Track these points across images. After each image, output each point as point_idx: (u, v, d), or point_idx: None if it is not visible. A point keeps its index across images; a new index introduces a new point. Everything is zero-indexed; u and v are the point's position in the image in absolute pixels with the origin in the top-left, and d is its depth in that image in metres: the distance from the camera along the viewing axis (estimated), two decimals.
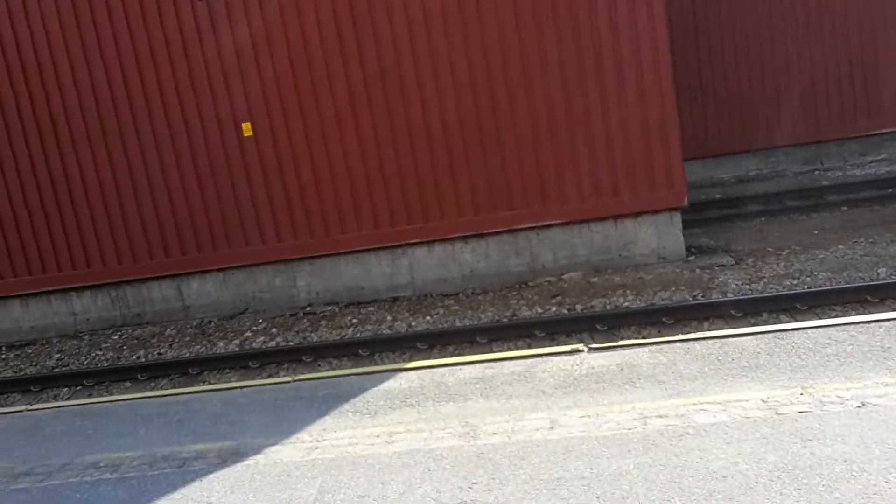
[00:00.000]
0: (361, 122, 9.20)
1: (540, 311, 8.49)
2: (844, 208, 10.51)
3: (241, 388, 6.45)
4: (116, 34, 9.35)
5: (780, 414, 4.94)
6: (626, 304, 8.35)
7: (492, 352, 7.78)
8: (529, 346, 7.77)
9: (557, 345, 7.70)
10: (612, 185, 9.12)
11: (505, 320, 8.37)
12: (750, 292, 8.11)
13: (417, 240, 9.44)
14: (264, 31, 9.11)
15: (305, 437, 5.46)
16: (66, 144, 9.65)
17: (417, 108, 9.10)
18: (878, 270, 8.17)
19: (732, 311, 7.71)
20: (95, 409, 6.52)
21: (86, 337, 9.73)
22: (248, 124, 9.39)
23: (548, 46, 8.87)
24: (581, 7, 8.77)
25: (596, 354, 6.20)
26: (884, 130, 11.82)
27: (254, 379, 7.76)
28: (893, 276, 7.96)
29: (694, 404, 5.21)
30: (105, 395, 7.68)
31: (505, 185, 9.21)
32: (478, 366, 6.29)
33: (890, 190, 10.80)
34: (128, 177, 9.62)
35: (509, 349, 7.79)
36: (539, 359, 6.27)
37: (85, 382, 8.29)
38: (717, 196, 11.55)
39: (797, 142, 11.93)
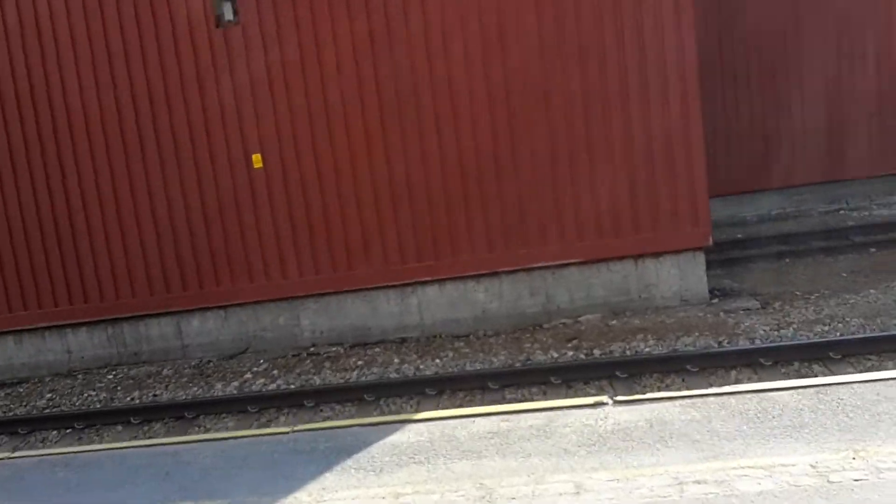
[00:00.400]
0: (374, 155, 8.78)
1: (556, 355, 7.96)
2: (873, 250, 9.97)
3: (236, 437, 5.91)
4: (130, 66, 8.96)
5: (832, 482, 4.38)
6: (648, 349, 7.81)
7: (505, 399, 7.26)
8: (545, 394, 7.25)
9: (576, 393, 7.16)
10: (633, 223, 8.64)
11: (518, 365, 7.83)
12: (779, 339, 7.58)
13: (428, 278, 8.96)
14: (280, 64, 8.73)
15: (304, 497, 4.91)
16: (70, 173, 9.24)
17: (433, 143, 8.68)
18: None
19: (761, 360, 7.18)
20: (80, 458, 5.99)
21: (80, 376, 9.21)
22: (258, 155, 8.98)
23: (571, 78, 8.45)
24: (609, 42, 8.36)
25: (621, 408, 5.65)
26: None
27: (251, 425, 7.23)
28: None
29: (734, 468, 4.65)
30: (91, 444, 7.12)
31: (520, 221, 8.75)
32: (493, 418, 5.75)
33: None
34: (131, 208, 9.19)
35: (523, 396, 7.26)
36: (560, 412, 5.72)
37: (75, 425, 7.75)
38: (739, 236, 11.03)
39: (821, 180, 11.43)
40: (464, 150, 8.68)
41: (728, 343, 7.64)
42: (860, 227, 10.65)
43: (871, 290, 8.53)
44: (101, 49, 8.99)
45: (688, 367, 7.23)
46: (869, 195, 11.53)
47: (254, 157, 9.00)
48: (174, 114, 8.99)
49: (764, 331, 7.81)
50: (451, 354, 8.36)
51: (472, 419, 5.77)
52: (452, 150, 8.69)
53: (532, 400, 7.12)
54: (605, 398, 5.85)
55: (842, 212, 11.49)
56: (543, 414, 5.70)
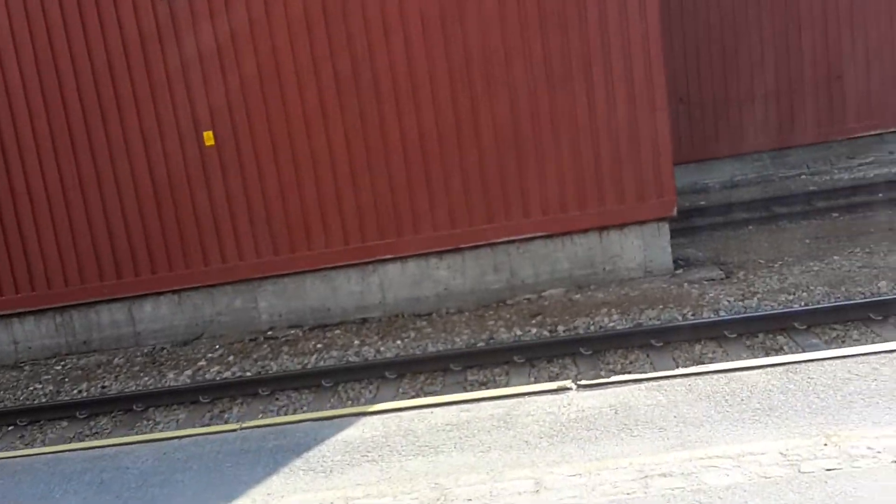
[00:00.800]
0: (332, 130, 8.24)
1: (519, 332, 7.57)
2: (835, 214, 9.66)
3: (180, 437, 5.42)
4: (71, 41, 8.28)
5: (804, 472, 4.03)
6: (612, 323, 7.46)
7: (467, 381, 6.87)
8: (508, 374, 6.87)
9: (539, 373, 6.80)
10: (597, 194, 8.25)
11: (482, 344, 7.44)
12: (744, 310, 7.26)
13: (389, 255, 8.49)
14: (230, 33, 8.12)
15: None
16: (11, 154, 8.56)
17: (392, 113, 8.17)
18: (879, 284, 7.34)
19: (726, 332, 6.86)
20: (12, 464, 5.46)
21: (27, 367, 8.62)
22: (210, 133, 8.39)
23: (533, 45, 7.98)
24: (570, 10, 7.90)
25: (585, 393, 5.26)
26: (871, 133, 11.00)
27: (203, 417, 6.76)
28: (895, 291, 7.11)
29: (701, 458, 4.28)
30: (27, 447, 6.58)
31: (484, 195, 8.30)
32: (452, 408, 5.32)
33: (881, 195, 9.97)
34: (78, 191, 8.56)
35: (486, 378, 6.88)
36: (521, 399, 5.32)
37: (18, 422, 7.20)
38: (702, 203, 10.67)
39: (782, 145, 11.07)
40: (424, 123, 8.20)
41: (692, 316, 7.31)
42: (822, 192, 10.34)
43: (835, 257, 8.23)
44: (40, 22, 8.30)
45: (652, 342, 6.90)
46: (830, 159, 11.21)
47: (205, 134, 8.42)
48: (119, 89, 8.34)
49: (728, 301, 7.49)
50: (412, 335, 7.93)
51: (431, 410, 5.35)
52: (412, 123, 8.22)
53: (495, 382, 6.76)
54: (568, 383, 5.45)
55: (803, 176, 11.18)
56: (505, 402, 5.29)
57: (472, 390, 6.57)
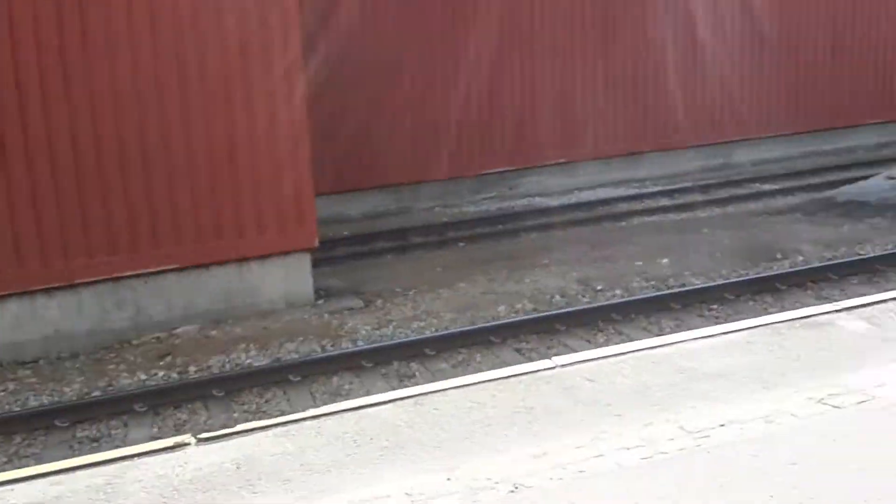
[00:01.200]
0: None
1: (144, 377, 6.64)
2: (462, 244, 10.22)
3: None
4: None
5: None
6: (249, 360, 6.92)
7: (75, 438, 5.78)
8: (126, 426, 5.92)
9: (164, 421, 5.96)
10: (237, 225, 7.66)
11: (97, 393, 6.36)
12: (380, 338, 7.22)
13: None
14: None
15: None
16: None
17: None
18: (498, 309, 7.78)
19: (363, 362, 6.72)
20: None
21: None
22: None
23: (165, 66, 7.18)
24: (210, 30, 7.29)
25: (206, 447, 4.59)
26: (495, 170, 11.91)
27: None
28: (512, 315, 7.61)
29: None
30: None
31: (106, 224, 7.22)
32: (39, 482, 4.28)
33: (500, 226, 10.81)
34: None
35: (99, 433, 5.86)
36: (130, 462, 4.46)
37: None
38: (345, 233, 10.60)
39: (422, 179, 11.48)
40: (32, 138, 6.89)
41: (331, 347, 7.08)
42: (453, 224, 10.91)
43: (462, 284, 8.58)
44: None
45: (290, 377, 6.49)
46: (461, 193, 11.92)
47: None
48: None
49: (366, 331, 7.39)
50: (11, 387, 6.56)
51: (12, 487, 4.24)
52: (18, 137, 6.85)
53: (110, 438, 5.76)
54: (187, 437, 4.74)
55: (437, 209, 11.73)
56: (108, 468, 4.40)
57: (79, 450, 5.52)
